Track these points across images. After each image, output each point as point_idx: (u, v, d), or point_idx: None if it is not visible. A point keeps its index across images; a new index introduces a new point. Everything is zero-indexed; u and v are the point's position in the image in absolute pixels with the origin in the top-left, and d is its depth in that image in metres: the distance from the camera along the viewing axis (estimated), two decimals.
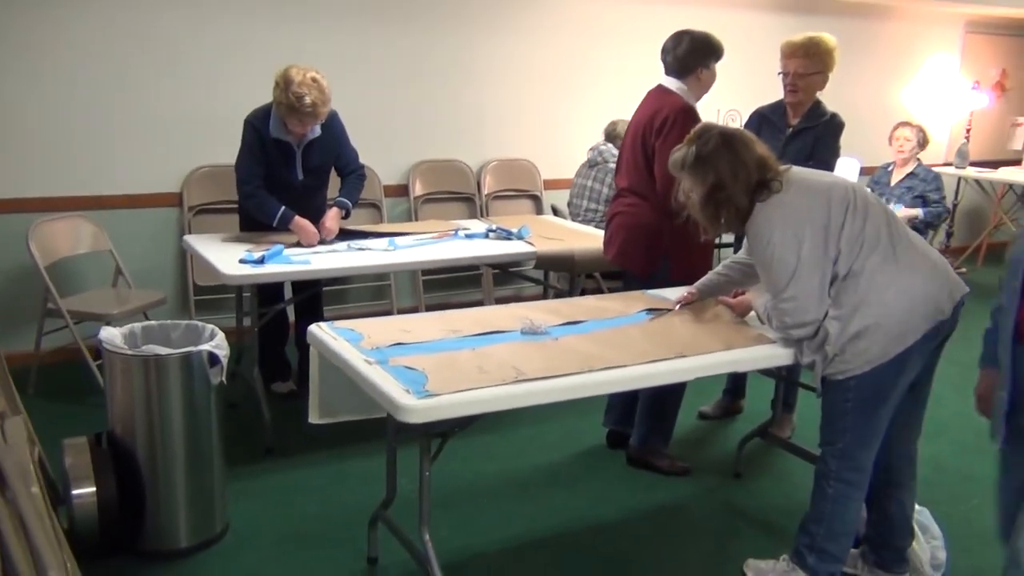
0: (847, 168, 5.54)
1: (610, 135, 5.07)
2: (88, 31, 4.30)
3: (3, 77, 4.17)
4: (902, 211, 5.52)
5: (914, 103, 7.34)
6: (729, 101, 5.79)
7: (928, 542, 2.89)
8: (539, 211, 5.58)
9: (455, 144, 5.40)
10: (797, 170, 2.55)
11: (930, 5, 6.82)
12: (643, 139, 3.32)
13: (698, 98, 3.41)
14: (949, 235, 7.59)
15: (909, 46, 7.25)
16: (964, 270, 7.33)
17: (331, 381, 2.60)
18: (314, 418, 2.66)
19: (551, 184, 5.65)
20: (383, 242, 3.82)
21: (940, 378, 4.62)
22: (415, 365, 2.32)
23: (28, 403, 3.31)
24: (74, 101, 4.34)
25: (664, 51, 3.41)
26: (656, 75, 3.47)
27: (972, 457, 3.80)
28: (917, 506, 3.02)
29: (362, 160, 4.58)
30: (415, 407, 2.09)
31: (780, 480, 3.52)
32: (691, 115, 3.26)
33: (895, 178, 5.66)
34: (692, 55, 3.34)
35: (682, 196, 2.56)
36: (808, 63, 3.59)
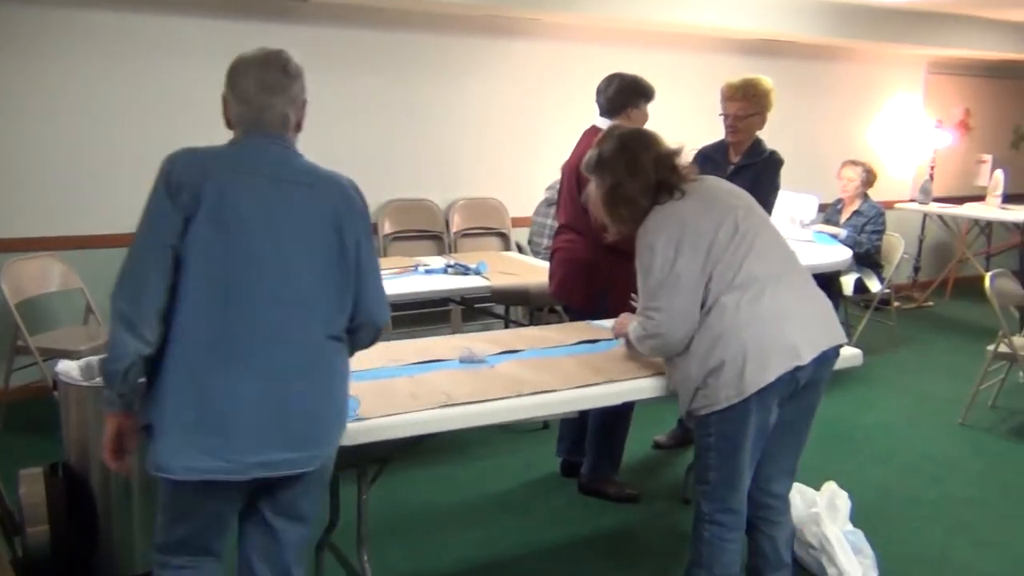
0: (805, 204, 5.70)
1: None
2: (64, 78, 4.48)
3: None
4: (824, 227, 5.69)
5: (878, 141, 7.53)
6: (697, 139, 5.95)
7: (860, 562, 2.99)
8: (507, 248, 5.72)
9: (424, 183, 5.55)
10: (709, 183, 2.59)
11: (891, 47, 7.03)
12: (577, 177, 3.46)
13: None
14: (917, 269, 7.74)
15: (872, 86, 7.47)
16: (931, 303, 7.47)
17: None
18: None
19: (519, 222, 5.79)
20: None
21: (892, 407, 4.79)
22: (351, 392, 2.42)
23: None
24: (50, 146, 4.49)
25: (597, 92, 3.58)
26: None
27: (918, 481, 3.89)
28: (851, 527, 3.12)
29: None
30: (346, 431, 2.19)
31: None
32: None
33: (844, 215, 5.85)
34: (621, 95, 3.50)
35: (583, 197, 2.66)
36: (747, 105, 3.75)
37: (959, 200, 7.62)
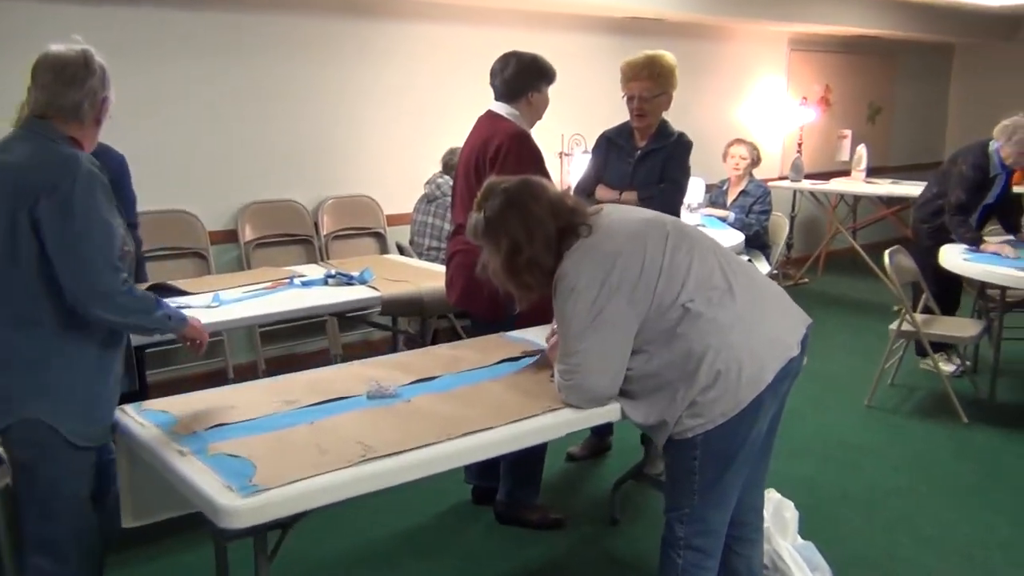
0: (694, 187, 5.51)
1: (448, 165, 4.78)
2: None
3: None
4: (713, 210, 5.56)
5: (749, 121, 7.48)
6: (572, 126, 5.67)
7: None
8: (384, 250, 5.25)
9: (288, 182, 4.99)
10: (610, 210, 2.30)
11: (755, 24, 6.96)
12: (476, 170, 3.07)
13: (531, 123, 3.20)
14: (789, 247, 7.76)
15: (742, 66, 7.39)
16: (806, 280, 7.51)
17: (144, 475, 2.18)
18: (127, 522, 2.23)
19: (395, 220, 5.33)
20: (207, 297, 3.39)
21: (797, 392, 4.61)
22: (240, 451, 1.95)
23: None
24: None
25: (492, 74, 3.18)
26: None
27: (843, 474, 3.73)
28: (801, 540, 2.88)
29: (184, 205, 4.15)
30: (238, 509, 1.72)
31: (660, 523, 3.28)
32: (525, 141, 3.04)
33: (730, 196, 5.71)
34: (520, 78, 3.13)
35: (479, 269, 2.28)
36: (652, 85, 3.45)
37: (825, 176, 7.69)
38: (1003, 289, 4.31)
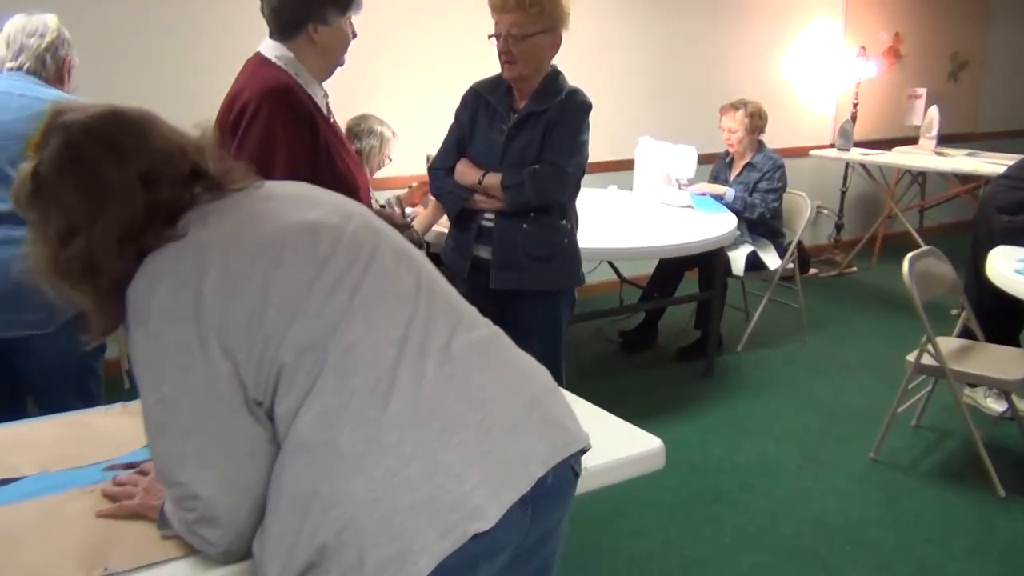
0: (682, 158, 4.39)
1: (350, 132, 3.82)
2: None
3: None
4: (708, 186, 4.41)
5: (794, 76, 6.21)
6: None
7: None
8: None
9: None
10: (268, 193, 1.31)
11: None
12: (232, 130, 2.09)
13: (321, 72, 2.19)
14: (839, 228, 6.52)
15: (788, 11, 6.09)
16: (855, 269, 6.26)
17: None
18: None
19: None
20: None
21: (787, 433, 3.50)
22: None
23: None
24: None
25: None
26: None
27: (863, 511, 2.65)
28: None
29: None
30: None
31: None
32: (282, 101, 2.04)
33: (734, 170, 4.54)
34: (297, 3, 2.11)
35: (22, 262, 1.27)
36: (525, 19, 2.41)
37: (887, 144, 6.37)
38: None
